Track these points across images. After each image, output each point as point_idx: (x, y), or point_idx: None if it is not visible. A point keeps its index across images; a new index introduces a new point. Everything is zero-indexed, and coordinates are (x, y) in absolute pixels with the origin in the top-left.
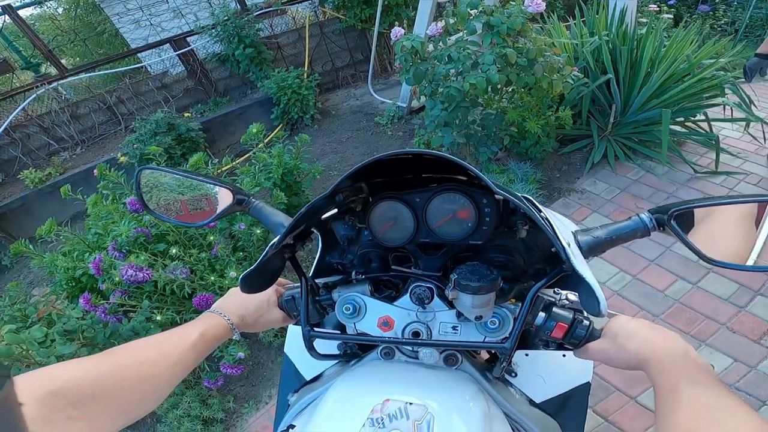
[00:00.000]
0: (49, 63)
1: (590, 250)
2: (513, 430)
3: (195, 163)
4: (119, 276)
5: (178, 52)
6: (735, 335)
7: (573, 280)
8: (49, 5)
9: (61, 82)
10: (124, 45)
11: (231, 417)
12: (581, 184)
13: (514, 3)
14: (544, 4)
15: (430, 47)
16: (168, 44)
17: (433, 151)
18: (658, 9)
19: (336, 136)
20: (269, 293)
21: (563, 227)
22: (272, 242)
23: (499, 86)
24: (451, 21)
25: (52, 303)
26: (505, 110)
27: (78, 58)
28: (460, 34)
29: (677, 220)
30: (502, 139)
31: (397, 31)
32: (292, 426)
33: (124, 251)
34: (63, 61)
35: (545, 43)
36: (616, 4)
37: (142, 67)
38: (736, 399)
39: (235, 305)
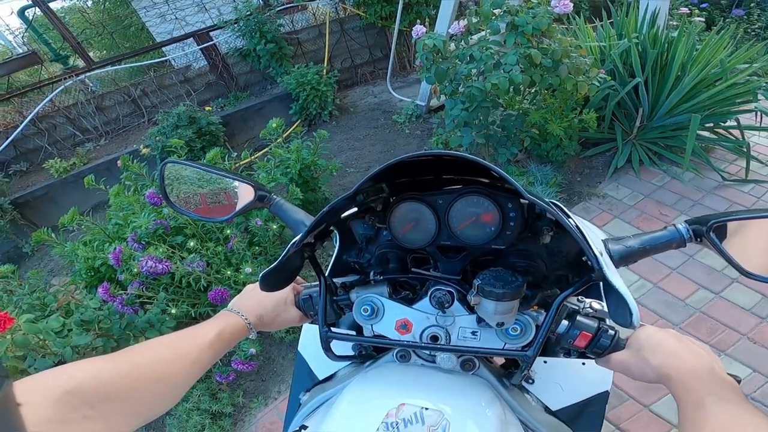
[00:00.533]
0: (77, 55)
1: (622, 260)
2: None
3: (212, 158)
4: (138, 267)
5: (201, 46)
6: (755, 346)
7: (599, 288)
8: None
9: (89, 74)
10: (149, 39)
11: (240, 411)
12: (603, 188)
13: (537, 2)
14: (572, 4)
15: (452, 46)
16: (192, 38)
17: (461, 154)
18: (689, 12)
19: (353, 133)
20: (286, 292)
21: (593, 235)
22: (294, 241)
23: (521, 87)
24: (474, 20)
25: (71, 293)
26: (527, 111)
27: (105, 51)
28: (483, 33)
29: (715, 231)
30: (522, 141)
31: (418, 29)
32: (304, 427)
33: (144, 243)
34: (90, 54)
35: (571, 44)
36: (647, 6)
37: (166, 60)
38: (763, 416)
39: (253, 304)
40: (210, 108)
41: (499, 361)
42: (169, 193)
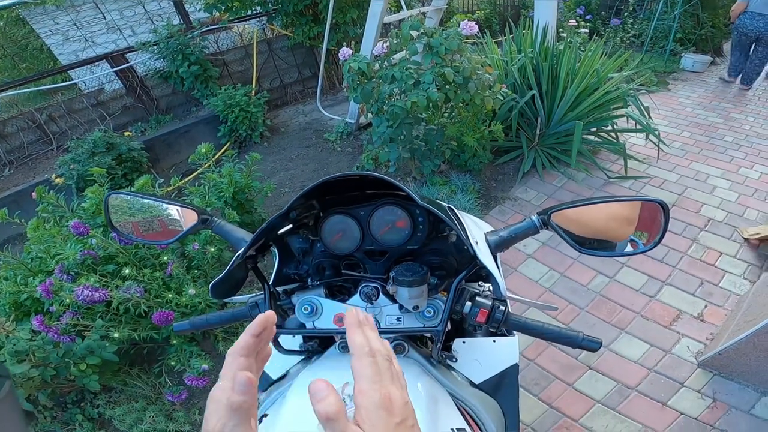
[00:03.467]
0: None
1: (497, 247)
2: (457, 407)
3: (142, 185)
4: (71, 297)
5: (115, 69)
6: (648, 322)
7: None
8: None
9: None
10: (51, 59)
11: (198, 429)
12: (514, 192)
13: (452, 23)
14: (477, 27)
15: (376, 66)
16: (104, 60)
17: (370, 173)
18: (576, 24)
19: (286, 153)
20: None
21: (477, 229)
22: (237, 253)
23: (438, 103)
24: (395, 41)
25: (0, 324)
26: (445, 126)
27: (3, 74)
28: (404, 53)
29: (555, 219)
30: (443, 153)
31: (344, 52)
32: (265, 415)
33: (72, 274)
34: None
35: (478, 61)
36: (539, 22)
37: (75, 83)
38: None
39: None
40: (129, 133)
41: (429, 347)
42: (115, 222)
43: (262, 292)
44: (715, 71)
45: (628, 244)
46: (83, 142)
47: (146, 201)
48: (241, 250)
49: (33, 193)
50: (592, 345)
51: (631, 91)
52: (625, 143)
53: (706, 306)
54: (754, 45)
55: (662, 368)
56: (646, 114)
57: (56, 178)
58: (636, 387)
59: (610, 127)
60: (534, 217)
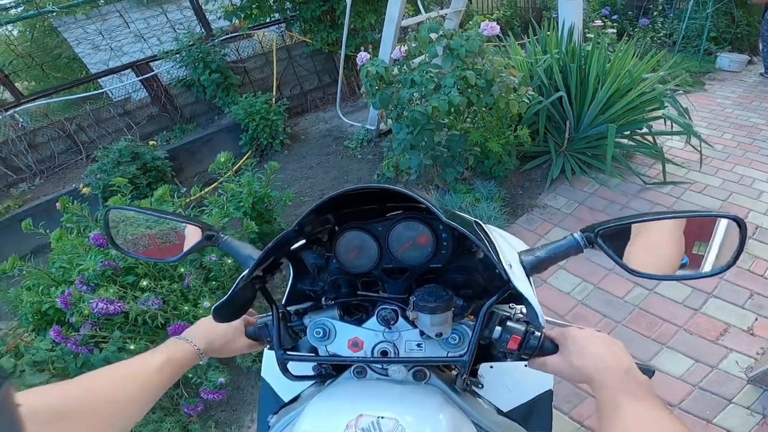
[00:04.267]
0: (3, 88)
1: (533, 269)
2: None
3: (161, 196)
4: (89, 309)
5: (140, 77)
6: (692, 336)
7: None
8: (4, 28)
9: (18, 109)
10: (82, 69)
11: None
12: (543, 199)
13: (472, 24)
14: (498, 27)
15: (395, 71)
16: (130, 69)
17: (389, 186)
18: (602, 24)
19: (306, 162)
20: (236, 322)
21: (509, 248)
22: (242, 275)
23: (460, 108)
24: (414, 45)
25: (19, 335)
26: (468, 131)
27: (34, 83)
28: (423, 57)
29: (603, 237)
30: (467, 159)
31: (362, 56)
32: None
33: (92, 285)
34: (18, 86)
35: (501, 63)
36: (564, 22)
37: (103, 92)
38: (671, 413)
39: (203, 332)
40: (154, 142)
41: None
42: (116, 237)
43: (271, 313)
44: (753, 70)
45: (691, 265)
46: (109, 151)
47: (149, 216)
48: (247, 271)
49: (57, 204)
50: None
51: (668, 92)
52: (663, 146)
53: (756, 319)
54: None
55: (708, 384)
56: (686, 115)
57: (84, 187)
58: (679, 404)
59: (645, 130)
60: (577, 235)
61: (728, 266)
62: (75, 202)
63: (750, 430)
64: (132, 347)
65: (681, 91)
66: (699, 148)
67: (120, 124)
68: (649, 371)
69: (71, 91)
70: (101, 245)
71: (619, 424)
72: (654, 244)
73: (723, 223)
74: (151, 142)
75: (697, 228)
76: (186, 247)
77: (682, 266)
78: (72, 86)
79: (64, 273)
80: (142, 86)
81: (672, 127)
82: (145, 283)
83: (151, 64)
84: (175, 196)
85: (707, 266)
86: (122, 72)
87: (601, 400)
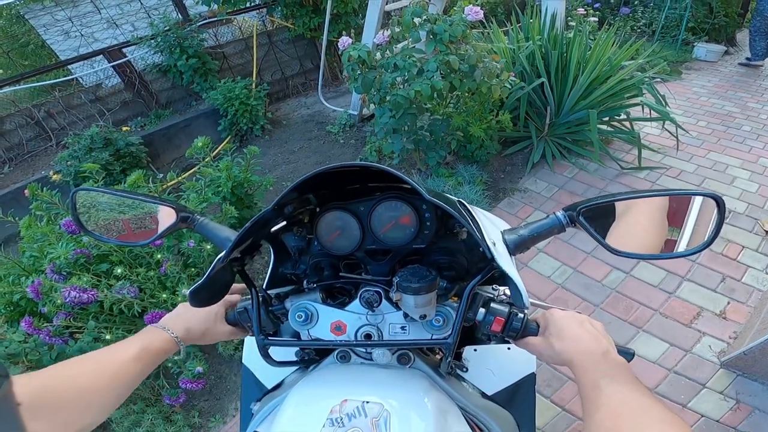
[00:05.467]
0: None
1: (516, 247)
2: (468, 421)
3: (134, 182)
4: (61, 298)
5: (112, 63)
6: (667, 320)
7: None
8: None
9: None
10: (51, 56)
11: (198, 431)
12: (524, 183)
13: (457, 10)
14: (482, 12)
15: (378, 55)
16: (101, 55)
17: (371, 164)
18: (585, 12)
19: (288, 146)
20: (216, 307)
21: (492, 227)
22: (219, 257)
23: (443, 92)
24: (397, 29)
25: None
26: (450, 116)
27: (1, 71)
28: (406, 41)
29: (586, 216)
30: (449, 144)
31: (344, 41)
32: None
33: (64, 273)
34: None
35: (484, 49)
36: (547, 9)
37: (73, 79)
38: (652, 395)
39: (181, 320)
40: (128, 128)
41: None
42: (86, 222)
43: (250, 297)
44: (729, 60)
45: (670, 244)
46: (80, 138)
47: (119, 197)
48: (224, 252)
49: (26, 191)
50: (624, 357)
51: (646, 80)
52: (639, 132)
53: (728, 303)
54: None
55: (682, 369)
56: (663, 102)
57: (54, 174)
58: (655, 388)
59: (623, 116)
60: (559, 213)
61: (707, 245)
62: (45, 189)
63: (723, 415)
64: (108, 337)
65: (659, 80)
66: (675, 134)
67: (92, 110)
68: (629, 354)
69: (40, 77)
70: (73, 232)
71: (601, 407)
72: (636, 224)
73: (698, 202)
74: (124, 128)
75: (677, 208)
76: (159, 230)
77: (664, 245)
78: (40, 73)
79: (35, 262)
80: (115, 72)
81: (650, 114)
82: (119, 270)
83: (125, 50)
84: (151, 181)
85: (683, 245)
86: (93, 58)
87: (581, 383)
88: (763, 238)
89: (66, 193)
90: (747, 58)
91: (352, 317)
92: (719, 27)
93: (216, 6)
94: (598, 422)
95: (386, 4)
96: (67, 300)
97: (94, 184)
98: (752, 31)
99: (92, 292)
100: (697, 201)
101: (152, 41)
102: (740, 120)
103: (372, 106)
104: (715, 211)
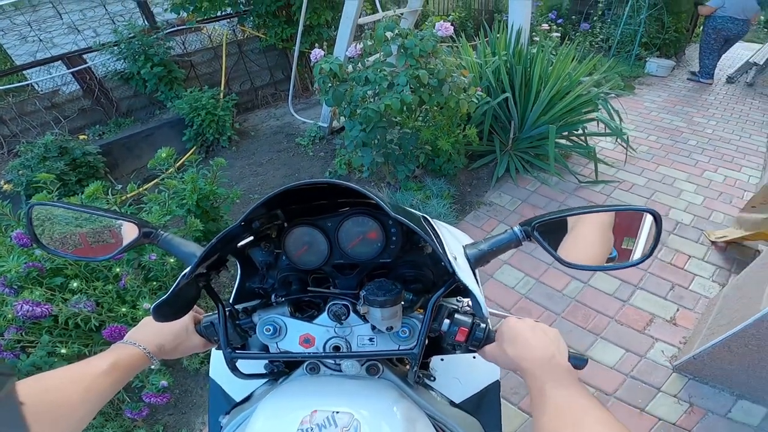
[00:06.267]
0: None
1: (477, 261)
2: (436, 429)
3: (92, 193)
4: (13, 312)
5: (71, 70)
6: (622, 327)
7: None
8: None
9: None
10: (6, 61)
11: None
12: (489, 197)
13: (428, 25)
14: (452, 29)
15: (350, 68)
16: (60, 61)
17: (337, 181)
18: (548, 27)
19: (256, 158)
20: (186, 320)
21: (455, 242)
22: (184, 272)
23: (412, 106)
24: (369, 43)
25: None
26: (419, 129)
27: None
28: (378, 55)
29: (540, 231)
30: (418, 157)
31: (316, 53)
32: None
33: (16, 287)
34: None
35: (453, 64)
36: (513, 24)
37: (27, 85)
38: (592, 398)
39: (152, 334)
40: (85, 136)
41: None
42: (41, 236)
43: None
44: (678, 75)
45: (617, 256)
46: (34, 146)
47: (77, 212)
48: (189, 268)
49: None
50: (578, 363)
51: (602, 95)
52: (595, 147)
53: (677, 310)
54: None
55: (638, 373)
56: (617, 117)
57: (5, 184)
58: (614, 393)
59: (580, 131)
60: (516, 229)
61: (645, 257)
62: None
63: (679, 418)
64: (64, 351)
65: (613, 95)
66: (626, 149)
67: (47, 117)
68: (582, 360)
69: None
70: (24, 245)
71: (545, 410)
72: (585, 238)
73: (648, 218)
74: (81, 136)
75: (629, 222)
76: (122, 245)
77: (611, 258)
78: None
79: None
80: (74, 79)
81: (605, 129)
82: (75, 284)
83: (85, 56)
84: (110, 193)
85: (627, 257)
86: (51, 64)
87: (530, 388)
88: (708, 248)
89: (17, 204)
90: (692, 73)
91: (321, 330)
92: (670, 42)
93: (186, 14)
94: (544, 424)
95: (359, 17)
96: (20, 314)
97: (48, 194)
98: (703, 48)
99: (46, 306)
100: (643, 216)
101: (115, 48)
102: (687, 134)
103: (342, 118)
104: (653, 225)
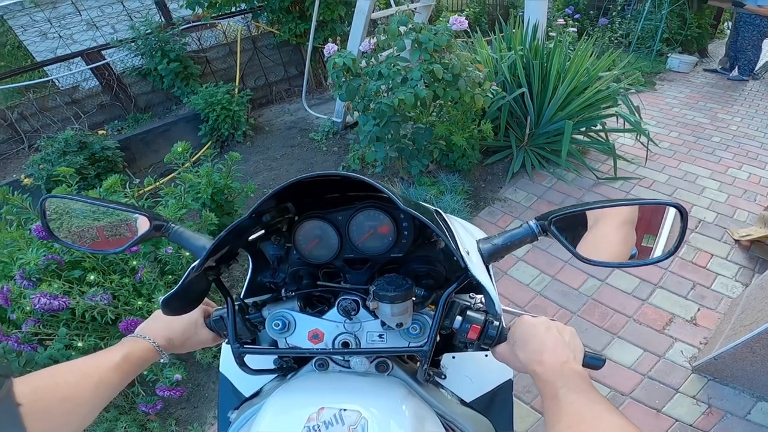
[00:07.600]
0: None
1: (490, 256)
2: (446, 429)
3: (110, 186)
4: (31, 305)
5: (90, 66)
6: (641, 326)
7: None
8: None
9: None
10: (27, 57)
11: None
12: (504, 192)
13: (442, 19)
14: (467, 22)
15: (363, 63)
16: (79, 57)
17: (349, 173)
18: (564, 23)
19: (270, 153)
20: (196, 314)
21: (468, 236)
22: (192, 265)
23: (426, 101)
24: (383, 38)
25: None
26: (433, 124)
27: None
28: (392, 50)
29: (557, 225)
30: (432, 152)
31: (330, 48)
32: None
33: (34, 280)
34: None
35: (468, 58)
36: (529, 20)
37: (48, 81)
38: (607, 403)
39: (161, 328)
40: (104, 131)
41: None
42: (56, 229)
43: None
44: (700, 71)
45: (637, 253)
46: (54, 141)
47: (90, 205)
48: (198, 261)
49: None
50: (595, 363)
51: (622, 90)
52: (614, 143)
53: (698, 309)
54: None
55: (656, 374)
56: (636, 113)
57: (25, 178)
58: (630, 394)
59: (599, 127)
60: (532, 223)
61: (670, 253)
62: (16, 193)
63: (696, 419)
64: (80, 344)
65: (633, 90)
66: (646, 145)
67: (67, 113)
68: (599, 360)
69: (14, 79)
70: (44, 238)
71: (560, 417)
72: (605, 234)
73: (671, 213)
74: (100, 132)
75: (650, 218)
76: (133, 238)
77: (631, 256)
78: (14, 74)
79: (4, 268)
80: (93, 75)
81: (624, 125)
82: (92, 277)
83: (104, 52)
84: (127, 186)
85: (651, 253)
86: (71, 60)
87: (542, 393)
88: (732, 247)
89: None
90: (723, 69)
91: (330, 325)
92: (692, 38)
93: (201, 10)
94: (559, 431)
95: (372, 12)
96: (37, 307)
97: (67, 188)
98: (743, 44)
99: (63, 299)
100: (666, 211)
101: (132, 44)
102: (710, 131)
103: (355, 113)
104: (679, 220)
